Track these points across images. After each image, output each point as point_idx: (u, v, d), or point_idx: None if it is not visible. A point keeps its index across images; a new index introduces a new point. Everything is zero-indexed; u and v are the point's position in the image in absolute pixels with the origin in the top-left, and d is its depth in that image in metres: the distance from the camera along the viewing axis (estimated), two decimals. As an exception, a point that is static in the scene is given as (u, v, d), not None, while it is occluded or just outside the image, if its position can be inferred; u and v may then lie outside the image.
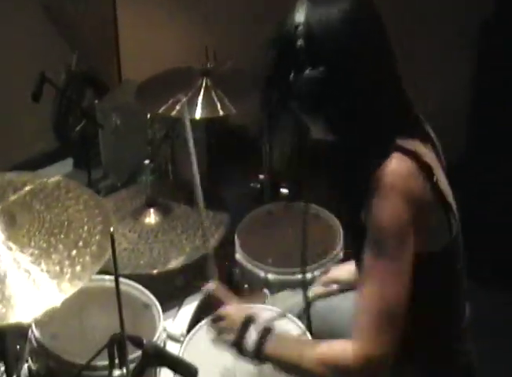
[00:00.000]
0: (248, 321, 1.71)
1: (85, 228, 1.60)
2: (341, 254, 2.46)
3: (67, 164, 4.01)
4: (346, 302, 1.95)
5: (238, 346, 1.70)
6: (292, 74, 1.54)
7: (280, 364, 1.68)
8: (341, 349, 1.57)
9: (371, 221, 1.52)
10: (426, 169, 1.54)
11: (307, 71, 1.51)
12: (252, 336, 1.68)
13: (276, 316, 2.05)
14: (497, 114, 3.04)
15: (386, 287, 1.52)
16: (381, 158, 1.51)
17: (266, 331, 1.68)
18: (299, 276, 2.33)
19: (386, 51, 1.59)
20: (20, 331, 2.13)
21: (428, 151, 1.60)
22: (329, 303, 2.07)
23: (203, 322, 2.05)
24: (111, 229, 1.35)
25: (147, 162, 2.45)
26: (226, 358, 1.94)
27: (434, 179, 1.55)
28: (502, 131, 3.03)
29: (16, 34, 3.81)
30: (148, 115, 3.24)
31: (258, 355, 1.67)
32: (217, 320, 1.79)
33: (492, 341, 2.72)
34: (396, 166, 1.50)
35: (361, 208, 1.56)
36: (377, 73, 1.55)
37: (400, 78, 1.61)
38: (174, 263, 2.29)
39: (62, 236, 1.55)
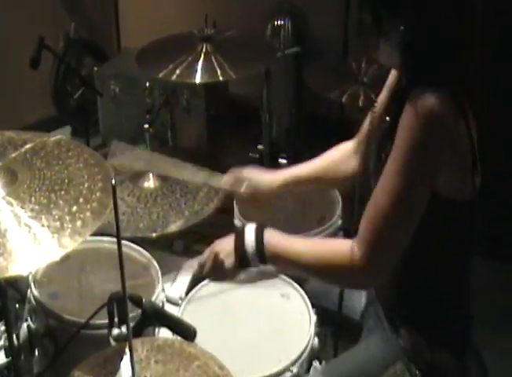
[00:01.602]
0: (240, 234, 1.77)
1: (86, 185, 1.59)
2: (339, 222, 2.46)
3: (66, 132, 4.01)
4: None
5: (242, 260, 1.75)
6: None
7: (283, 260, 1.72)
8: (346, 248, 1.59)
9: (399, 137, 1.53)
10: (466, 116, 1.54)
11: None
12: (250, 241, 1.73)
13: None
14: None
15: (399, 200, 1.53)
16: (429, 87, 1.51)
17: (260, 230, 1.74)
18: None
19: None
20: (19, 291, 2.15)
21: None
22: None
23: (201, 284, 2.06)
24: (113, 181, 1.34)
25: (146, 126, 2.44)
26: (224, 322, 1.96)
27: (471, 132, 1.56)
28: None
29: (14, 1, 3.79)
30: (147, 83, 3.24)
31: (262, 255, 1.72)
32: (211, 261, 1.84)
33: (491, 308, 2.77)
34: (440, 96, 1.50)
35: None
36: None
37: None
38: (173, 227, 2.28)
39: (62, 193, 1.54)
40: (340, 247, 1.62)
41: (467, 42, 1.58)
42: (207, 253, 1.86)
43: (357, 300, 1.98)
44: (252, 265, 1.77)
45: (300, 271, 1.76)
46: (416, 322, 1.76)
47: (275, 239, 1.74)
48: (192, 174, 2.12)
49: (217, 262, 1.82)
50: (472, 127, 1.56)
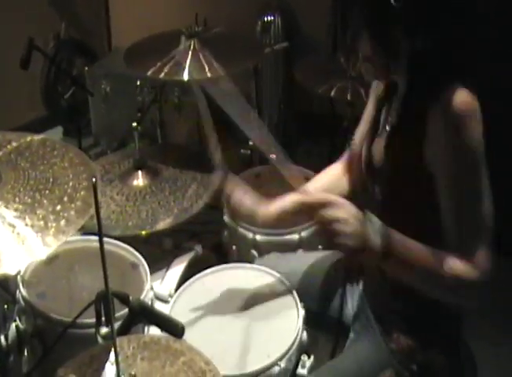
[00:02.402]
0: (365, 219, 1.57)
1: (70, 184, 1.59)
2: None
3: (57, 132, 4.00)
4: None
5: (364, 248, 1.54)
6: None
7: (406, 263, 1.59)
8: (464, 265, 1.55)
9: (456, 147, 1.52)
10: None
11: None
12: (375, 234, 1.55)
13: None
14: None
15: (484, 201, 1.54)
16: (448, 88, 1.52)
17: (385, 228, 1.58)
18: (287, 237, 2.36)
19: None
20: (9, 291, 2.15)
21: None
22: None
23: (190, 280, 2.07)
24: (93, 180, 1.34)
25: (134, 124, 2.44)
26: (213, 317, 1.96)
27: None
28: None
29: (4, 1, 3.79)
30: (138, 82, 3.24)
31: (386, 253, 1.55)
32: (330, 223, 1.54)
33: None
34: (467, 94, 1.52)
35: (421, 143, 1.56)
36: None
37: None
38: (162, 224, 2.28)
39: (47, 192, 1.54)
40: (466, 264, 1.56)
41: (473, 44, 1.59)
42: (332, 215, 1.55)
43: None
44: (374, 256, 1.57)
45: (413, 277, 1.63)
46: (408, 323, 1.76)
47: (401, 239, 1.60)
48: None
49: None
50: None
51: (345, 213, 1.54)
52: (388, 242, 1.55)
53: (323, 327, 2.02)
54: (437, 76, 1.56)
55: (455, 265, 1.55)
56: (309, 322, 1.93)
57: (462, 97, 1.51)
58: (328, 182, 2.06)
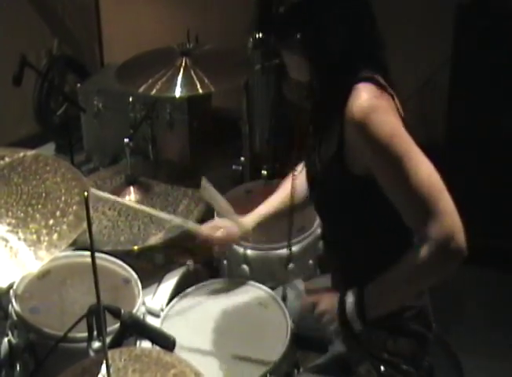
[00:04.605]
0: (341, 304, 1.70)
1: (63, 198, 1.60)
2: (318, 230, 2.48)
3: (49, 149, 4.00)
4: None
5: (344, 322, 1.69)
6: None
7: (389, 303, 1.69)
8: (423, 244, 1.56)
9: (373, 142, 1.55)
10: (388, 93, 1.61)
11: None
12: (350, 303, 1.67)
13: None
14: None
15: (420, 171, 1.55)
16: (345, 91, 1.58)
17: (360, 293, 1.68)
18: (277, 252, 2.38)
19: None
20: (2, 308, 2.16)
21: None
22: None
23: (181, 294, 2.08)
24: (86, 194, 1.36)
25: (126, 140, 2.46)
26: (204, 331, 1.97)
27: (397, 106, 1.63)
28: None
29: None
30: (130, 98, 3.26)
31: (364, 320, 1.67)
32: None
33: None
34: (363, 93, 1.57)
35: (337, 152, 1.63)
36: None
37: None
38: (154, 239, 2.31)
39: (39, 207, 1.56)
40: (418, 248, 1.58)
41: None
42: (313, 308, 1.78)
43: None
44: (355, 327, 1.69)
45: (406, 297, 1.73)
46: None
47: (373, 299, 1.68)
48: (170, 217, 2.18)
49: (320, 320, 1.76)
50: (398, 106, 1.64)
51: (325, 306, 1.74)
52: (364, 317, 1.66)
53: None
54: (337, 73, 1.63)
55: (424, 251, 1.56)
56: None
57: (359, 102, 1.56)
58: (299, 184, 2.09)
